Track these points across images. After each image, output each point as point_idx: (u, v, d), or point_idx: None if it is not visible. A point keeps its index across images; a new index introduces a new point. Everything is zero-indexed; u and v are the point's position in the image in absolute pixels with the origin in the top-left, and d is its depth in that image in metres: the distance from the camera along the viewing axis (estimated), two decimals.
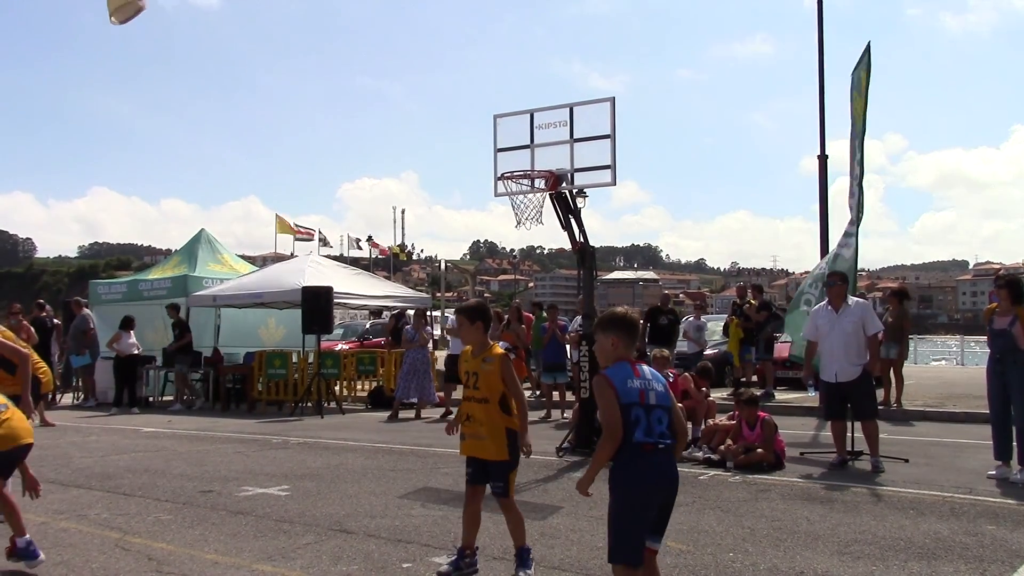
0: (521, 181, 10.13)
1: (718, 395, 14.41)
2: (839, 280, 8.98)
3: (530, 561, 5.11)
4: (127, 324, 16.48)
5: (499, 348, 5.38)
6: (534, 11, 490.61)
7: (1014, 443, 7.92)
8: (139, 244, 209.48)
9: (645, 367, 4.05)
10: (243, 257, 23.03)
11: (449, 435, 5.50)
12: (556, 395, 14.33)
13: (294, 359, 16.74)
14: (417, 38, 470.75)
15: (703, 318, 17.48)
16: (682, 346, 16.49)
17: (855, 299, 9.01)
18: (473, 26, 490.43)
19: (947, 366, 29.69)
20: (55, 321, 17.49)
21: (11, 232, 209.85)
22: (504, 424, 5.08)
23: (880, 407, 10.36)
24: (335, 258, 38.99)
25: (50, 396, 15.75)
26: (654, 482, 3.80)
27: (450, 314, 16.78)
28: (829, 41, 11.64)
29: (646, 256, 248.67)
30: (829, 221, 15.70)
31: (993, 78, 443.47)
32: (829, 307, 8.86)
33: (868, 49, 11.58)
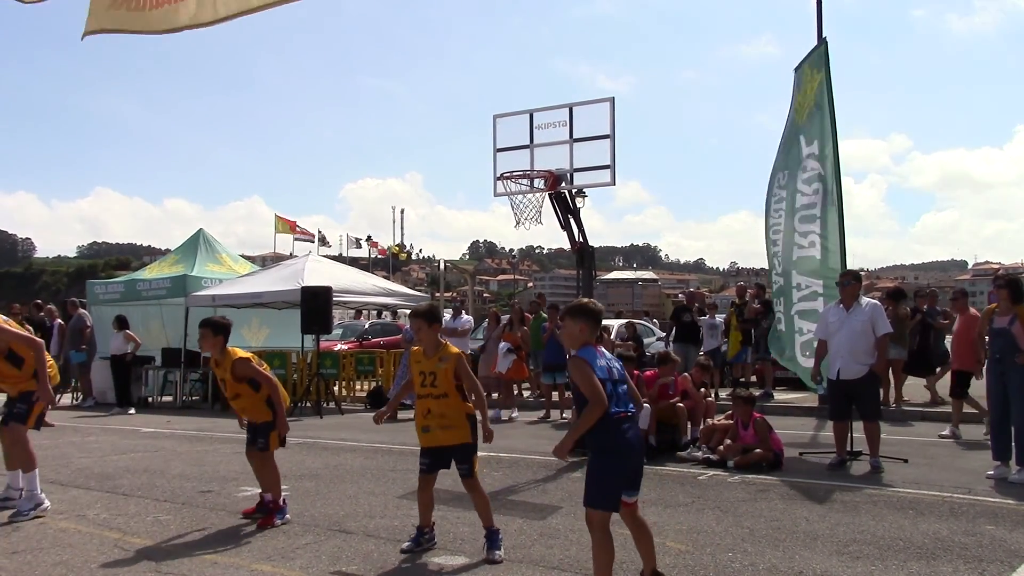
0: (520, 181, 10.15)
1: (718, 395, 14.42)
2: (852, 279, 8.98)
3: (499, 541, 5.44)
4: (120, 324, 16.46)
5: (452, 347, 5.66)
6: (541, 12, 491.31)
7: (1012, 443, 7.93)
8: (138, 244, 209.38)
9: (603, 348, 4.61)
10: (242, 257, 23.03)
11: (377, 424, 5.90)
12: (556, 395, 14.32)
13: (293, 359, 16.74)
14: (423, 39, 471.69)
15: (718, 317, 17.44)
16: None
17: (867, 299, 9.02)
18: (480, 27, 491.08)
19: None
20: (59, 322, 17.49)
21: (10, 232, 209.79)
22: (464, 410, 5.54)
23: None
24: (334, 258, 38.99)
25: (59, 398, 15.78)
26: (629, 448, 4.44)
27: (447, 314, 16.71)
28: (835, 42, 11.60)
29: (645, 256, 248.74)
30: None
31: (997, 79, 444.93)
32: (840, 305, 8.87)
33: (823, 45, 11.53)
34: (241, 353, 6.55)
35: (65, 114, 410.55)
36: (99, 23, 4.17)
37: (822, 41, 11.67)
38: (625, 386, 4.51)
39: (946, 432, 10.73)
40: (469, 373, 5.60)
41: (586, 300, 4.73)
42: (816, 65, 11.43)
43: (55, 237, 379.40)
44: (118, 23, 4.09)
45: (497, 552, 5.36)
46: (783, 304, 11.81)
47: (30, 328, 15.33)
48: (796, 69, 12.44)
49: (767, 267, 12.64)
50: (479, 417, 5.61)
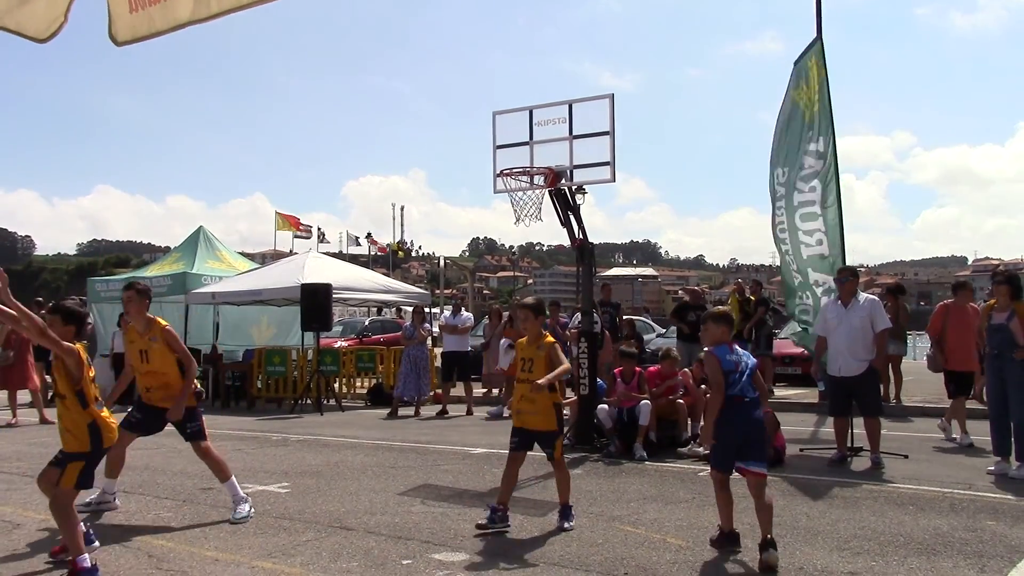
0: (520, 178, 10.11)
1: None
2: (850, 275, 8.98)
3: (572, 516, 6.11)
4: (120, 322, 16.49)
5: (550, 337, 6.28)
6: (545, 11, 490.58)
7: (1012, 439, 7.94)
8: (138, 242, 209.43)
9: (737, 346, 5.57)
10: (242, 254, 23.04)
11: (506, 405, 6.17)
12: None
13: (293, 356, 16.75)
14: (428, 37, 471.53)
15: None
16: None
17: (865, 295, 9.01)
18: (484, 25, 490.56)
19: None
20: None
21: (10, 230, 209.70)
22: (551, 400, 6.06)
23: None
24: (334, 255, 38.98)
25: (51, 395, 15.75)
26: (737, 423, 5.38)
27: (447, 311, 16.73)
28: (840, 40, 11.63)
29: (645, 252, 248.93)
30: None
31: (1000, 76, 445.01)
32: (839, 302, 8.87)
33: (820, 41, 11.48)
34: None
35: (67, 111, 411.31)
36: (133, 31, 4.18)
37: (819, 37, 11.61)
38: (749, 376, 5.42)
39: (956, 437, 10.15)
40: (560, 359, 6.11)
41: (726, 309, 5.87)
42: (820, 61, 11.38)
43: (57, 235, 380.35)
44: (147, 28, 4.12)
45: (567, 523, 6.01)
46: (811, 298, 11.73)
47: None
48: (796, 62, 12.38)
49: (779, 264, 12.50)
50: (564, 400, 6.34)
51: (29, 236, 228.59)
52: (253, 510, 6.58)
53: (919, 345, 32.53)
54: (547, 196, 10.04)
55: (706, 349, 5.58)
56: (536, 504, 6.87)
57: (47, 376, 7.17)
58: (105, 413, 5.20)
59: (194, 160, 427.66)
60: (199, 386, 6.95)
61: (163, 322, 6.78)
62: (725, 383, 5.39)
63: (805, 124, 11.55)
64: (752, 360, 5.56)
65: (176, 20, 4.03)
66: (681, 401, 9.83)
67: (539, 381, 5.87)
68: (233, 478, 6.71)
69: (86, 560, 4.92)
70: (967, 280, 12.17)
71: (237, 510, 6.50)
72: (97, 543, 5.56)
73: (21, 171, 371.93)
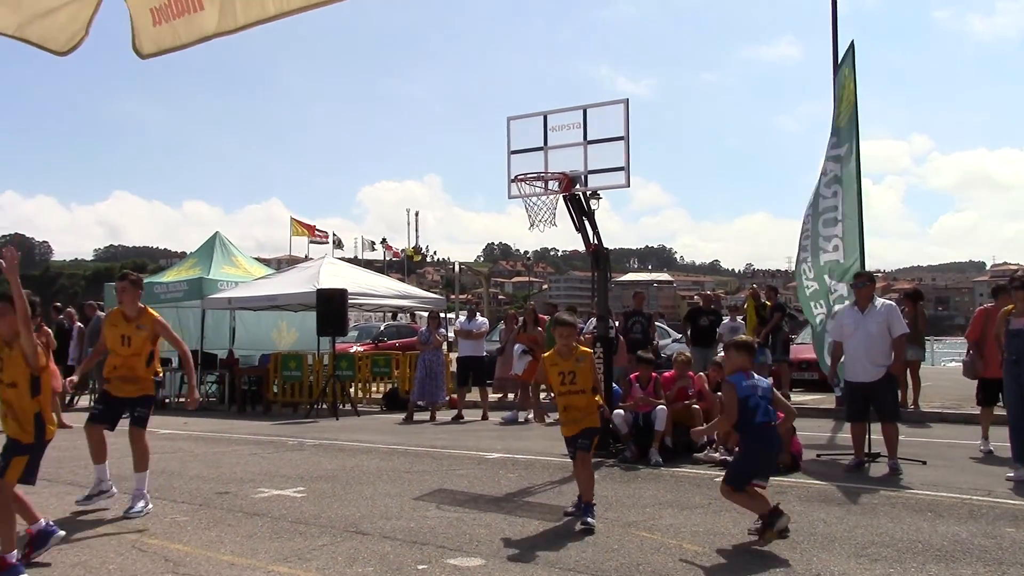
0: (535, 183, 10.10)
1: None
2: (867, 281, 8.93)
3: (593, 512, 6.25)
4: None
5: (584, 347, 6.71)
6: (562, 15, 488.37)
7: None
8: (155, 247, 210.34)
9: (754, 373, 5.94)
10: (258, 260, 23.17)
11: (539, 421, 6.91)
12: None
13: (309, 361, 16.82)
14: (443, 41, 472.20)
15: (739, 319, 17.32)
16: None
17: (882, 300, 8.96)
18: (500, 29, 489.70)
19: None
20: (78, 325, 17.63)
21: (28, 235, 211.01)
22: (595, 404, 6.54)
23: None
24: (349, 260, 39.08)
25: (68, 399, 15.90)
26: (765, 449, 5.86)
27: (462, 316, 16.78)
28: (857, 44, 11.41)
29: (660, 258, 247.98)
30: None
31: (1019, 80, 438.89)
32: (855, 307, 8.83)
33: (851, 48, 11.46)
34: None
35: (85, 118, 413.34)
36: (157, 44, 4.25)
37: (850, 45, 11.62)
38: (768, 401, 5.79)
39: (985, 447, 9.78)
40: (595, 367, 6.78)
41: (747, 338, 6.30)
42: (849, 67, 11.39)
43: (74, 240, 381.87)
44: (171, 41, 4.18)
45: (590, 518, 6.17)
46: (824, 307, 11.69)
47: (48, 331, 15.57)
48: (836, 72, 12.37)
49: (794, 272, 12.48)
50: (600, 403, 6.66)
51: (47, 241, 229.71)
52: (150, 507, 6.85)
53: (936, 351, 32.35)
54: (561, 201, 10.03)
55: (726, 379, 5.96)
56: (551, 509, 6.86)
57: (65, 381, 7.47)
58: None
59: (211, 166, 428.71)
60: (160, 373, 7.39)
61: (155, 313, 7.27)
62: (744, 408, 5.70)
63: (840, 132, 11.53)
64: (767, 383, 5.94)
65: (201, 32, 4.07)
66: (696, 406, 9.79)
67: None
68: (147, 473, 6.99)
69: (13, 557, 5.02)
70: (1007, 284, 11.83)
71: (135, 506, 6.78)
72: (62, 532, 5.60)
73: (40, 177, 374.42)
